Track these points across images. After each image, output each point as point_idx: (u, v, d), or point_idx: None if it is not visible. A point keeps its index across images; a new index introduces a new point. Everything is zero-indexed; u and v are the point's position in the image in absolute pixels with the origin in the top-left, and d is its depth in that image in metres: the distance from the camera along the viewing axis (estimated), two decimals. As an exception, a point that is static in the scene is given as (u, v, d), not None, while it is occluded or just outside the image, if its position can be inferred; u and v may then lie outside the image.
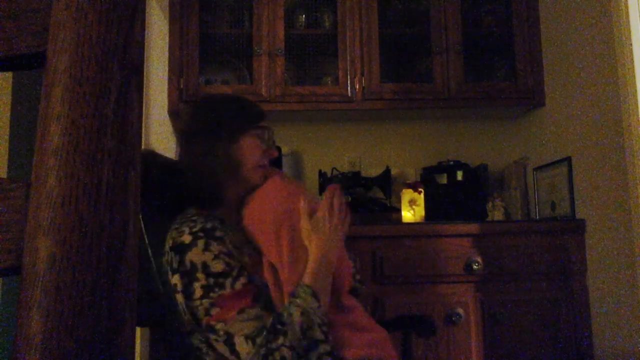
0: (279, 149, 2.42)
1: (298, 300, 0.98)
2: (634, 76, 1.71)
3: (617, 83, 1.79)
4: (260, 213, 1.11)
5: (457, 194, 2.34)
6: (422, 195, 2.24)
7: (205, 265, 1.00)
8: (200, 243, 1.02)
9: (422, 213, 2.23)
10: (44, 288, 0.31)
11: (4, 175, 1.81)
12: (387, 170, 2.39)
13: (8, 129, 1.88)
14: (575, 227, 2.01)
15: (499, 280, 1.96)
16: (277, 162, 2.38)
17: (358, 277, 1.31)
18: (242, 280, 1.01)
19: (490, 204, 2.32)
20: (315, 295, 0.99)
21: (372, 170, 2.52)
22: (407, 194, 2.25)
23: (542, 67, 2.33)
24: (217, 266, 1.00)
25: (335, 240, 1.08)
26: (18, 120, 1.91)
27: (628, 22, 1.73)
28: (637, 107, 1.70)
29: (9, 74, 1.86)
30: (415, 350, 1.39)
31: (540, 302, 1.95)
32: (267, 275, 1.07)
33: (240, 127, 1.16)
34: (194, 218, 1.08)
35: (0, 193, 0.35)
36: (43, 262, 0.31)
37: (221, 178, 1.14)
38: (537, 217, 2.33)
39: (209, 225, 1.05)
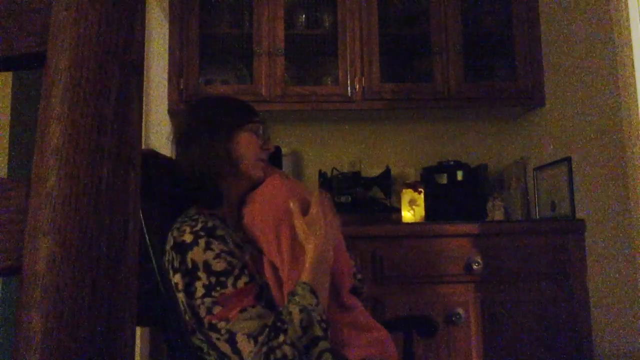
0: (278, 148, 2.43)
1: (297, 298, 0.99)
2: (634, 76, 1.71)
3: (617, 83, 1.79)
4: (261, 212, 1.11)
5: (457, 194, 2.34)
6: (422, 195, 2.24)
7: (206, 264, 1.00)
8: (202, 242, 1.02)
9: (422, 213, 2.23)
10: (44, 288, 0.31)
11: (4, 175, 1.81)
12: (387, 170, 2.39)
13: (8, 129, 1.88)
14: (575, 227, 2.01)
15: (499, 280, 1.96)
16: (277, 162, 2.38)
17: (359, 276, 1.32)
18: (244, 279, 1.01)
19: (490, 204, 2.32)
20: (313, 292, 1.00)
21: (372, 170, 2.52)
22: (407, 194, 2.25)
23: (542, 67, 2.33)
24: (219, 265, 1.00)
25: (330, 237, 1.08)
26: (18, 120, 1.91)
27: (628, 22, 1.73)
28: (637, 107, 1.70)
29: (9, 74, 1.86)
30: (416, 351, 1.39)
31: (540, 302, 1.95)
32: (268, 274, 1.07)
33: (236, 123, 1.17)
34: (195, 217, 1.08)
35: (0, 193, 0.35)
36: (43, 262, 0.31)
37: (221, 175, 1.14)
38: (537, 217, 2.33)
39: (210, 224, 1.06)
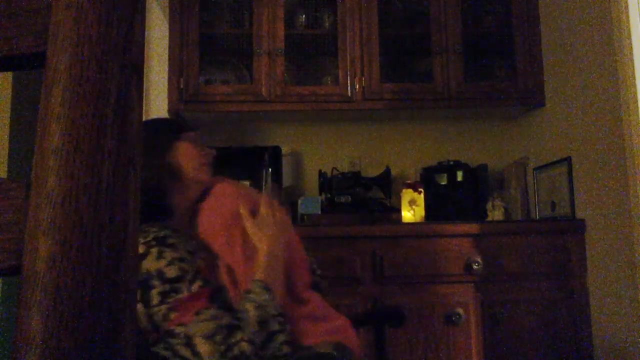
0: (278, 148, 2.43)
1: (251, 295, 1.02)
2: (634, 76, 1.71)
3: (617, 83, 1.79)
4: (212, 219, 1.15)
5: (457, 194, 2.34)
6: (422, 195, 2.24)
7: (160, 272, 1.02)
8: (154, 251, 1.04)
9: (422, 213, 2.23)
10: (44, 288, 0.30)
11: (4, 175, 1.81)
12: (387, 170, 2.39)
13: (8, 129, 1.88)
14: (575, 227, 2.01)
15: (499, 280, 1.96)
16: (277, 162, 2.38)
17: (319, 272, 1.35)
18: (198, 282, 1.03)
19: (490, 204, 2.32)
20: (267, 288, 1.03)
21: (372, 170, 2.52)
22: (407, 194, 2.25)
23: (542, 67, 2.33)
24: (172, 272, 1.02)
25: (281, 234, 1.13)
26: (18, 120, 1.91)
27: (628, 22, 1.73)
28: (637, 107, 1.70)
29: (9, 74, 1.86)
30: (388, 343, 1.44)
31: (540, 302, 1.95)
32: (225, 277, 1.10)
33: (171, 136, 1.20)
34: (146, 229, 1.10)
35: (0, 193, 0.35)
36: (43, 262, 0.31)
37: (166, 187, 1.17)
38: (537, 217, 2.33)
39: (161, 234, 1.08)
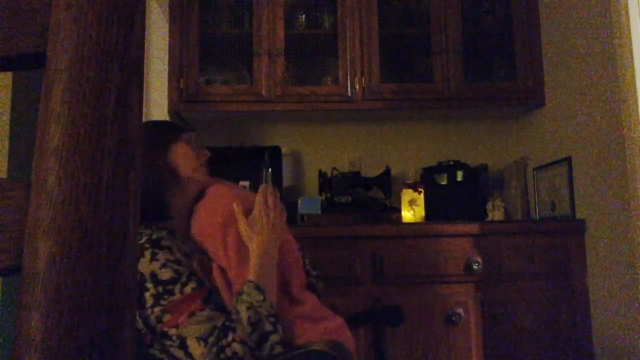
0: (278, 148, 2.43)
1: (244, 297, 1.02)
2: (634, 76, 1.71)
3: (617, 83, 1.79)
4: (207, 220, 1.15)
5: (457, 194, 2.34)
6: (422, 195, 2.24)
7: (153, 275, 1.03)
8: (147, 253, 1.05)
9: (422, 213, 2.23)
10: (44, 288, 0.30)
11: (4, 175, 1.81)
12: (387, 170, 2.39)
13: (8, 129, 1.88)
14: (575, 227, 2.01)
15: (499, 280, 1.96)
16: (277, 162, 2.38)
17: (314, 273, 1.35)
18: (192, 285, 1.03)
19: (490, 204, 2.32)
20: (259, 289, 1.04)
21: (372, 170, 2.52)
22: (407, 194, 2.25)
23: (542, 67, 2.33)
24: (165, 274, 1.03)
25: (274, 235, 1.13)
26: (18, 120, 1.91)
27: (628, 22, 1.73)
28: (637, 107, 1.70)
29: (9, 74, 1.86)
30: (388, 342, 1.45)
31: (540, 302, 1.95)
32: (218, 279, 1.10)
33: (168, 138, 1.21)
34: (140, 232, 1.11)
35: (0, 193, 0.35)
36: (43, 262, 0.31)
37: (163, 188, 1.17)
38: (537, 217, 2.33)
39: (155, 236, 1.08)
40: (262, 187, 1.19)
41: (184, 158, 1.20)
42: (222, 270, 1.11)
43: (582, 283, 1.97)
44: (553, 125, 2.26)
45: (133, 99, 0.35)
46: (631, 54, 1.72)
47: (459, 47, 2.32)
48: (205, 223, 1.15)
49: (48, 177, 0.32)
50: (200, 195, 1.20)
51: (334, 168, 2.46)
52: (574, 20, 2.07)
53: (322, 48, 2.43)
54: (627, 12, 1.73)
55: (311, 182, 2.54)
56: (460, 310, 1.92)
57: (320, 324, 1.15)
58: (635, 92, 1.71)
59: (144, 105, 0.39)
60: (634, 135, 1.71)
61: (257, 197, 1.16)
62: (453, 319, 1.91)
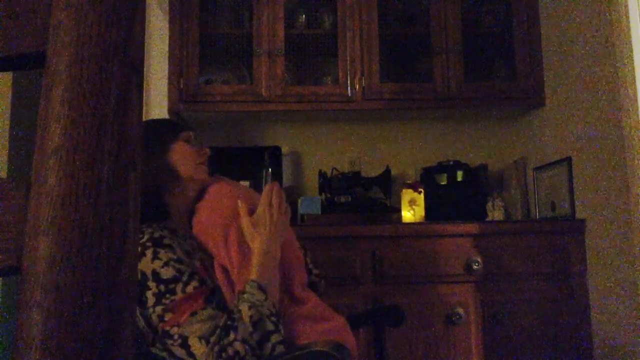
0: (278, 148, 2.43)
1: (245, 296, 1.02)
2: (634, 76, 1.71)
3: (617, 83, 1.79)
4: (208, 218, 1.15)
5: (457, 194, 2.34)
6: (422, 195, 2.24)
7: (155, 273, 1.03)
8: (149, 252, 1.04)
9: (422, 213, 2.23)
10: (44, 288, 0.31)
11: (4, 175, 1.81)
12: (387, 170, 2.39)
13: (8, 129, 1.88)
14: (575, 227, 2.01)
15: (499, 280, 1.96)
16: (277, 162, 2.38)
17: (316, 272, 1.35)
18: (194, 284, 1.03)
19: (490, 204, 2.32)
20: (261, 288, 1.03)
21: (372, 170, 2.52)
22: (407, 194, 2.25)
23: (542, 67, 2.33)
24: (167, 273, 1.03)
25: (277, 234, 1.12)
26: (18, 120, 1.91)
27: (628, 22, 1.73)
28: (637, 107, 1.70)
29: (9, 74, 1.86)
30: (388, 342, 1.45)
31: (540, 302, 1.95)
32: (219, 277, 1.10)
33: (167, 137, 1.21)
34: (142, 230, 1.10)
35: (0, 193, 0.35)
36: (43, 262, 0.31)
37: (166, 189, 1.17)
38: (537, 217, 2.33)
39: (156, 235, 1.08)
40: (268, 187, 1.18)
41: (184, 157, 1.20)
42: (224, 269, 1.10)
43: (582, 283, 1.97)
44: (553, 125, 2.26)
45: (133, 99, 0.35)
46: (631, 54, 1.72)
47: (459, 47, 2.32)
48: (206, 222, 1.15)
49: (48, 177, 0.32)
50: (201, 194, 1.19)
51: (334, 168, 2.46)
52: (574, 21, 2.07)
53: (322, 48, 2.43)
54: (627, 12, 1.73)
55: (311, 182, 2.54)
56: (460, 310, 1.92)
57: (322, 324, 1.15)
58: (635, 92, 1.71)
59: (144, 105, 0.39)
60: (634, 135, 1.71)
61: (262, 196, 1.15)
62: (453, 319, 1.91)
